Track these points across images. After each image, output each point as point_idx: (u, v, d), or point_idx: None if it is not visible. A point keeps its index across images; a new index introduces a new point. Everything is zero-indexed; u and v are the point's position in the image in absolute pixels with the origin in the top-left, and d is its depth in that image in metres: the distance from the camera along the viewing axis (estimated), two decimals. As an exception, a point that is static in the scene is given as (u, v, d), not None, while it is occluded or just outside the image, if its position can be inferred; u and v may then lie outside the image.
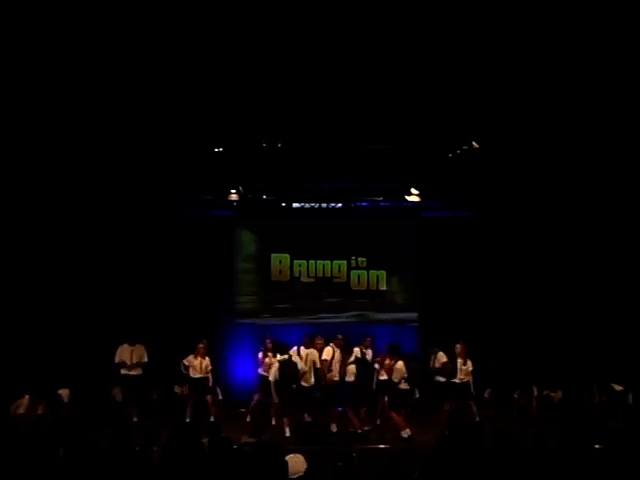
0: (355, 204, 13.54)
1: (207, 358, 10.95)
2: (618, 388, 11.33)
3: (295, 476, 5.05)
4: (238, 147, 11.24)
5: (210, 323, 12.73)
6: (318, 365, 10.36)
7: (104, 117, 9.95)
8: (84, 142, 10.57)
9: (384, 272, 13.73)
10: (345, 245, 13.61)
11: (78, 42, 8.20)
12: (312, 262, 13.64)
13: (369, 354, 10.63)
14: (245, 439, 8.26)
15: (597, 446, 5.84)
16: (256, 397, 11.14)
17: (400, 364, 9.95)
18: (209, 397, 10.86)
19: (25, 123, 9.96)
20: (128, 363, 10.75)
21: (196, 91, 9.34)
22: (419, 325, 13.38)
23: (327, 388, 10.28)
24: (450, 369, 10.55)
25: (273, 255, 13.67)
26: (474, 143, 11.08)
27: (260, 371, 11.27)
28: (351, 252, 13.66)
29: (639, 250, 12.36)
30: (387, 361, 10.07)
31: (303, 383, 10.15)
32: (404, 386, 10.06)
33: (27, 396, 10.42)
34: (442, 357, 10.71)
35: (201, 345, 10.92)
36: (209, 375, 10.94)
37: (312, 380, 10.21)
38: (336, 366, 10.46)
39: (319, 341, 10.56)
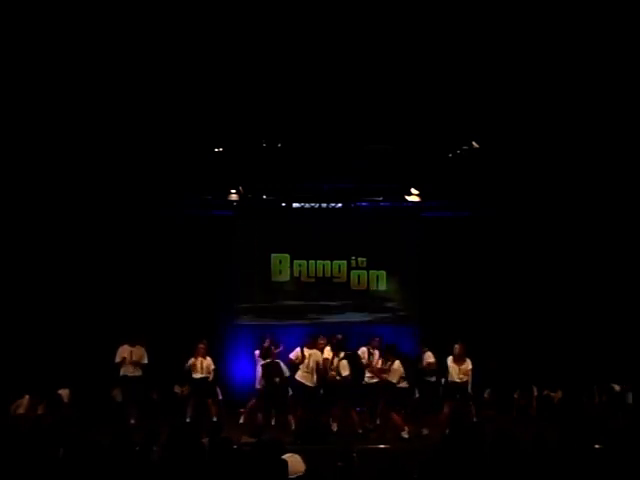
0: (355, 204, 13.55)
1: (208, 358, 10.93)
2: (617, 388, 11.34)
3: (294, 476, 5.06)
4: (238, 147, 11.24)
5: (210, 323, 12.73)
6: (321, 366, 10.38)
7: (104, 117, 9.95)
8: (84, 142, 10.57)
9: (384, 272, 13.73)
10: (345, 245, 13.61)
11: (78, 42, 8.19)
12: (312, 262, 13.65)
13: (376, 354, 10.64)
14: (245, 439, 8.27)
15: (597, 446, 5.83)
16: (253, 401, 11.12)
17: (397, 364, 9.92)
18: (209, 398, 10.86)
19: (25, 124, 9.96)
20: (128, 359, 10.70)
21: (196, 91, 9.34)
22: (419, 325, 13.37)
23: (328, 386, 10.29)
24: (437, 369, 10.53)
25: (273, 255, 13.67)
26: (474, 143, 11.08)
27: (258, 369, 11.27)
28: (351, 252, 13.66)
29: (639, 250, 12.36)
30: (379, 365, 10.06)
31: (307, 383, 10.16)
32: (403, 384, 10.04)
33: (27, 396, 10.42)
34: (429, 357, 10.68)
35: (201, 345, 10.90)
36: (210, 375, 10.92)
37: (315, 380, 10.23)
38: (336, 365, 10.47)
39: (321, 341, 10.57)
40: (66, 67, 8.69)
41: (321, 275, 13.64)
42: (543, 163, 11.43)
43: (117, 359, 10.74)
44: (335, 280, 13.65)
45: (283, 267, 13.66)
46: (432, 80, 9.11)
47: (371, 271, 13.73)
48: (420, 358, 10.86)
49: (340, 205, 13.59)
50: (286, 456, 5.26)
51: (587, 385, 11.82)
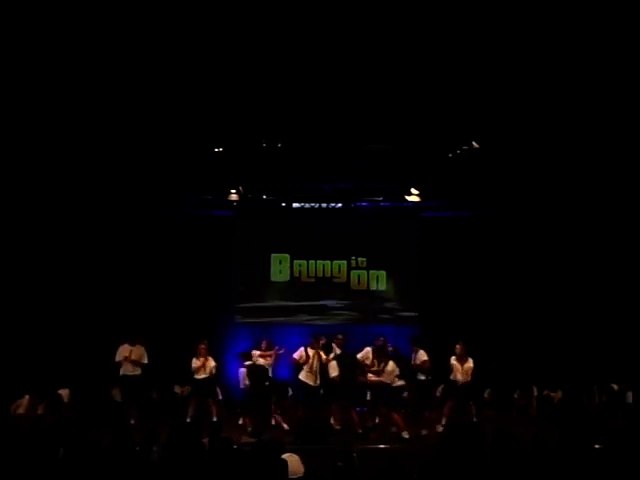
0: (355, 204, 13.55)
1: (210, 358, 10.91)
2: (617, 388, 11.33)
3: (294, 476, 5.06)
4: (238, 147, 11.24)
5: (210, 323, 12.74)
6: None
7: (104, 118, 9.96)
8: (84, 143, 10.57)
9: (384, 272, 13.73)
10: (345, 245, 13.61)
11: (78, 43, 8.20)
12: (312, 262, 13.65)
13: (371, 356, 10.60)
14: (245, 439, 8.27)
15: (597, 446, 5.83)
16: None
17: (391, 365, 9.89)
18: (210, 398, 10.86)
19: (26, 124, 9.96)
20: (128, 358, 10.69)
21: (196, 91, 9.34)
22: (419, 325, 13.36)
23: (328, 386, 10.28)
24: (430, 367, 10.52)
25: (273, 255, 13.68)
26: (474, 143, 11.08)
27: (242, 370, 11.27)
28: (351, 252, 13.66)
29: (639, 250, 12.36)
30: (374, 366, 10.03)
31: (310, 383, 10.16)
32: (399, 383, 10.02)
33: (27, 396, 10.41)
34: (422, 355, 10.64)
35: (202, 346, 10.88)
36: (212, 376, 10.90)
37: (318, 380, 10.23)
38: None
39: (323, 342, 10.58)
40: (66, 68, 8.70)
41: (321, 275, 13.64)
42: (543, 163, 11.44)
43: (117, 358, 10.74)
44: (335, 280, 13.65)
45: (283, 267, 13.66)
46: (432, 80, 9.11)
47: (371, 271, 13.73)
48: (412, 357, 10.84)
49: (340, 205, 13.59)
50: (285, 455, 5.26)
51: (587, 385, 11.81)
